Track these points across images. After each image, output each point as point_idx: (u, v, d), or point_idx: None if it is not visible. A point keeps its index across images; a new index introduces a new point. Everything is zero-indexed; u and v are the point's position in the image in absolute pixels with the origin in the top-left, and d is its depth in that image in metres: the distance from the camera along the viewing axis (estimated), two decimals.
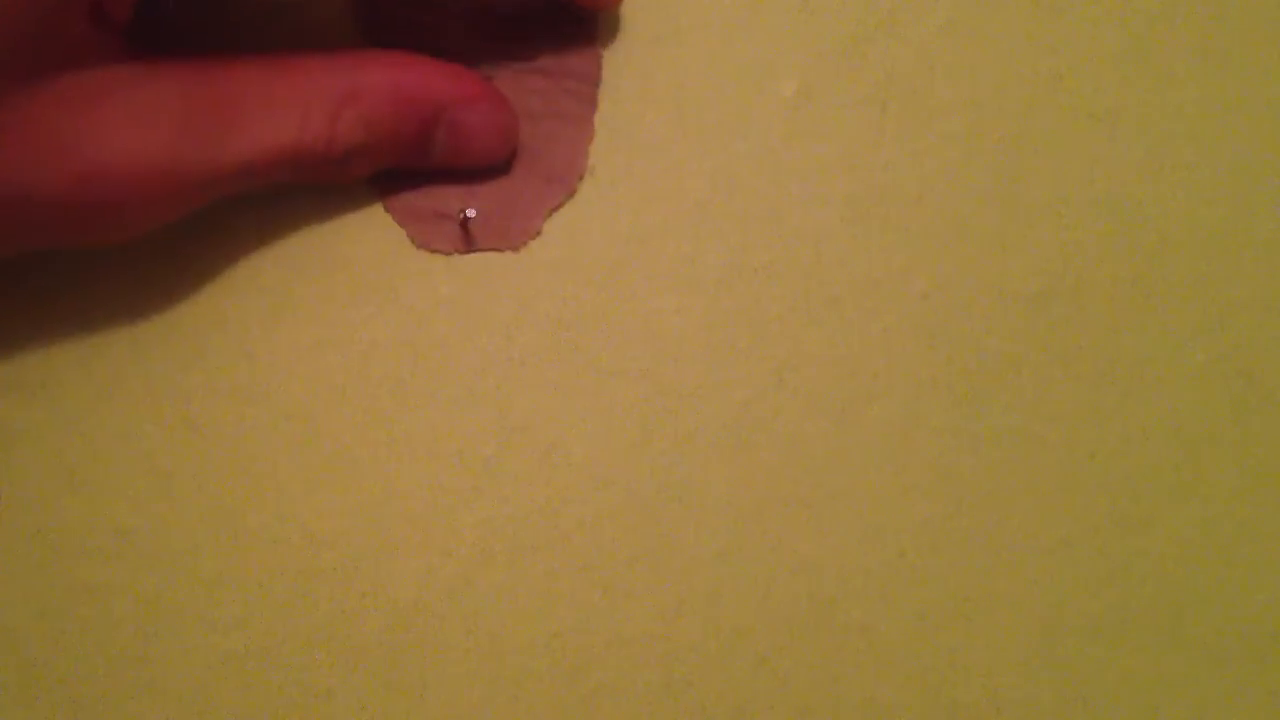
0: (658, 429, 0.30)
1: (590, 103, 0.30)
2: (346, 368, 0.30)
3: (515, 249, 0.30)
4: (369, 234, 0.30)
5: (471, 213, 0.29)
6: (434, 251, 0.30)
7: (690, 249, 0.30)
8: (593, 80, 0.30)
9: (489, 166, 0.29)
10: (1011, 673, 0.30)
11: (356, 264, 0.30)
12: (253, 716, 0.30)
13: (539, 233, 0.30)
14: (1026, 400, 0.30)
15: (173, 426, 0.29)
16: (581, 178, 0.30)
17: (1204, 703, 0.31)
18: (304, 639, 0.30)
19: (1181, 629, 0.31)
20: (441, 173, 0.29)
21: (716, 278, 0.30)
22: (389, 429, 0.30)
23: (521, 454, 0.30)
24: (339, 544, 0.30)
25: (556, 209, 0.30)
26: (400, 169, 0.29)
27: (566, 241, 0.30)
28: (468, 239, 0.30)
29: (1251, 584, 0.31)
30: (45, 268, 0.29)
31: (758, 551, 0.30)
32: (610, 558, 0.30)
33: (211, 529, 0.29)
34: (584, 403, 0.30)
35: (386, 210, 0.30)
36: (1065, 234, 0.30)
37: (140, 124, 0.25)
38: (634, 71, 0.30)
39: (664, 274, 0.30)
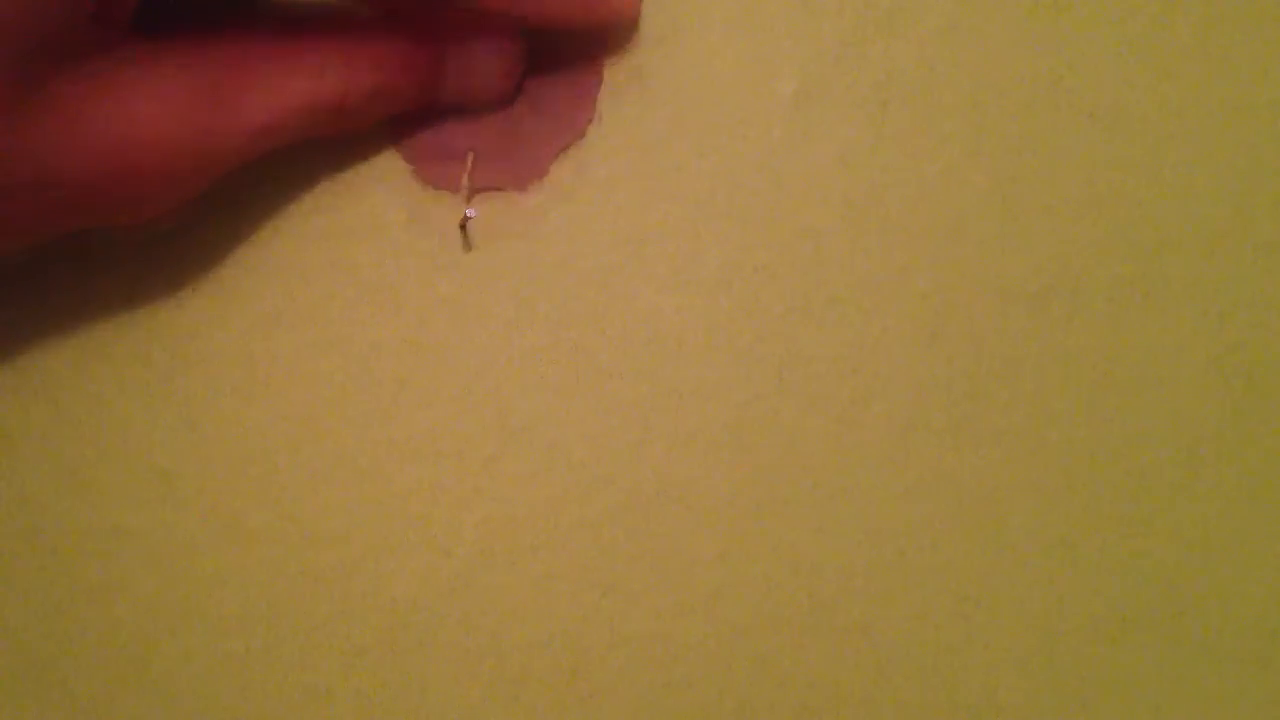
0: (658, 429, 0.30)
1: (600, 46, 0.30)
2: (346, 368, 0.30)
3: (521, 189, 0.30)
4: (369, 234, 0.30)
5: (472, 212, 0.29)
6: (439, 190, 0.30)
7: (690, 249, 0.30)
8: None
9: (500, 99, 0.29)
10: (1011, 673, 0.30)
11: (356, 264, 0.30)
12: (253, 716, 0.30)
13: (546, 174, 0.30)
14: (1026, 400, 0.30)
15: (173, 426, 0.29)
16: (590, 122, 0.30)
17: (1204, 703, 0.31)
18: (304, 639, 0.30)
19: (1181, 629, 0.31)
20: (452, 111, 0.29)
21: (716, 278, 0.30)
22: (389, 429, 0.30)
23: (521, 454, 0.30)
24: (339, 544, 0.30)
25: (564, 151, 0.30)
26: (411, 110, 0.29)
27: (567, 241, 0.30)
28: (466, 239, 0.30)
29: (1251, 584, 0.31)
30: (45, 268, 0.29)
31: (758, 551, 0.30)
32: (610, 558, 0.30)
33: (211, 529, 0.29)
34: (584, 403, 0.30)
35: (395, 149, 0.30)
36: (1065, 234, 0.30)
37: (156, 98, 0.26)
38: (634, 71, 0.30)
39: (664, 274, 0.30)
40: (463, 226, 0.30)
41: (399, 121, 0.29)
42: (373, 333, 0.30)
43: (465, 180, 0.29)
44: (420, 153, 0.30)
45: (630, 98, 0.30)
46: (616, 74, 0.30)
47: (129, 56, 0.26)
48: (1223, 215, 0.31)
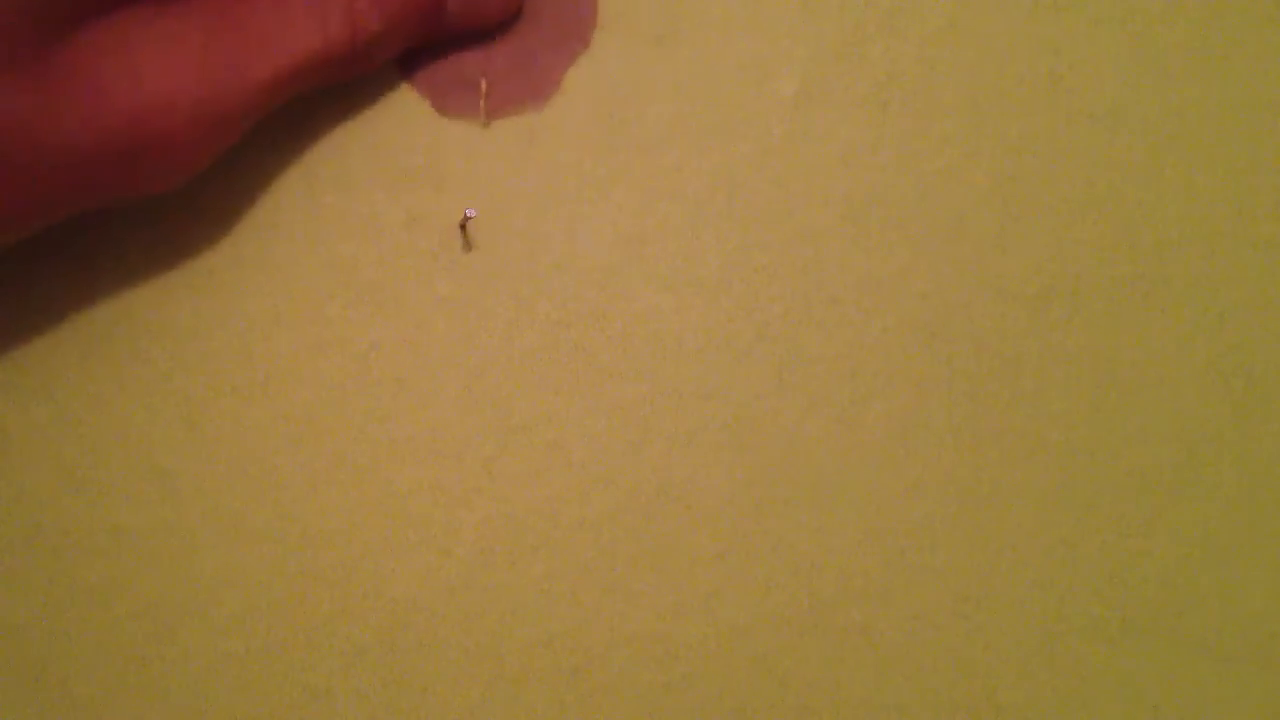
0: (658, 429, 0.30)
1: None
2: (346, 368, 0.30)
3: (539, 106, 0.30)
4: (369, 234, 0.30)
5: (472, 212, 0.29)
6: (455, 118, 0.30)
7: (690, 249, 0.30)
8: None
9: (505, 17, 0.29)
10: (1011, 673, 0.30)
11: (356, 264, 0.30)
12: (253, 716, 0.30)
13: (559, 87, 0.30)
14: (1026, 400, 0.30)
15: (173, 426, 0.29)
16: (594, 29, 0.30)
17: (1204, 703, 0.31)
18: (304, 639, 0.30)
19: (1181, 629, 0.31)
20: (460, 40, 0.30)
21: (716, 278, 0.30)
22: (389, 429, 0.30)
23: (521, 454, 0.30)
24: (339, 544, 0.30)
25: (572, 63, 0.30)
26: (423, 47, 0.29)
27: (567, 241, 0.30)
28: (466, 239, 0.30)
29: (1251, 584, 0.31)
30: (46, 267, 0.29)
31: (758, 551, 0.30)
32: (610, 558, 0.30)
33: (211, 529, 0.29)
34: (584, 403, 0.30)
35: (409, 84, 0.30)
36: (1065, 234, 0.30)
37: (167, 58, 0.25)
38: (634, 71, 0.30)
39: (664, 273, 0.30)
40: (463, 226, 0.30)
41: (409, 57, 0.30)
42: (373, 333, 0.30)
43: (483, 105, 0.30)
44: (435, 86, 0.30)
45: (630, 98, 0.30)
46: (616, 74, 0.30)
47: (136, 18, 0.25)
48: (1223, 215, 0.31)
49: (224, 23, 0.26)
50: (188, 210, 0.29)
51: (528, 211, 0.30)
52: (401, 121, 0.30)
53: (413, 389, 0.30)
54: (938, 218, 0.30)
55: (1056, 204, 0.30)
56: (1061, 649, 0.30)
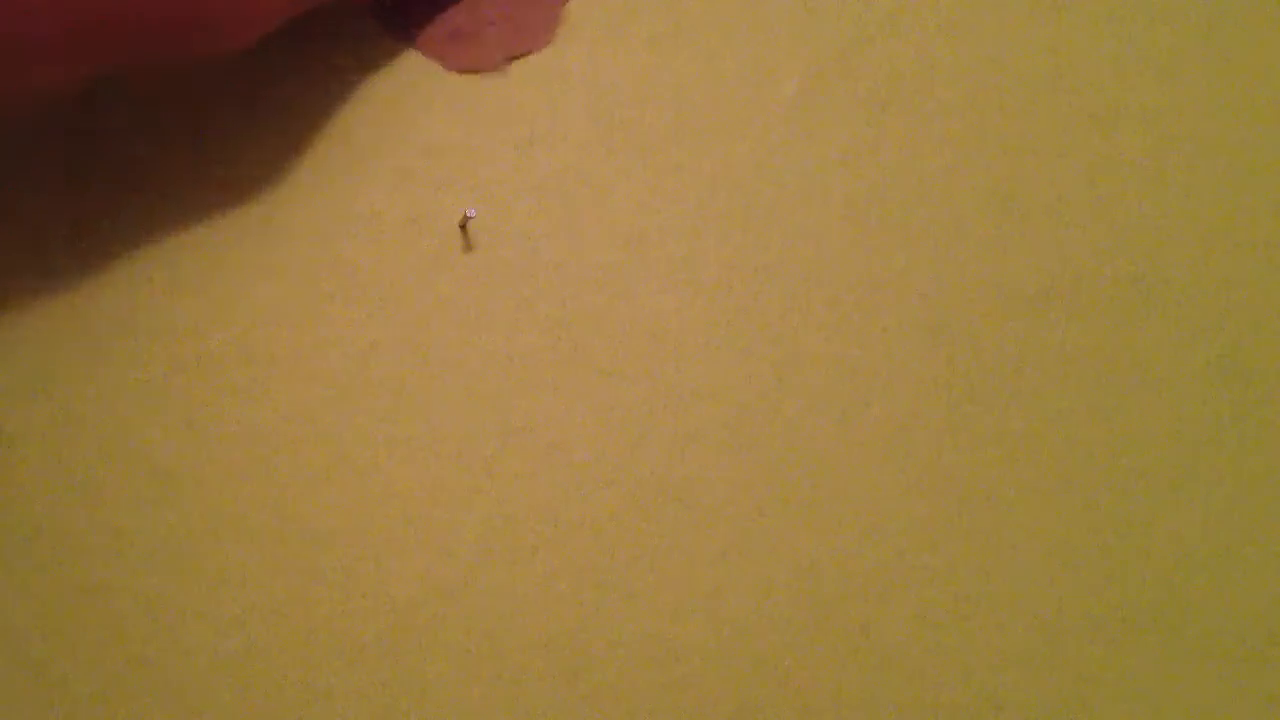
0: (658, 429, 0.30)
1: None
2: (346, 368, 0.30)
3: (541, 47, 0.30)
4: (369, 234, 0.30)
5: (472, 212, 0.29)
6: (462, 72, 0.30)
7: (690, 249, 0.30)
8: None
9: None
10: (1011, 673, 0.30)
11: (356, 264, 0.30)
12: (253, 716, 0.30)
13: (562, 21, 0.30)
14: (1026, 400, 0.30)
15: (173, 426, 0.29)
16: None
17: (1204, 703, 0.31)
18: (304, 639, 0.30)
19: (1181, 629, 0.31)
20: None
21: (716, 278, 0.30)
22: (389, 429, 0.30)
23: (521, 454, 0.30)
24: (339, 544, 0.30)
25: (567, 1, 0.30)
26: (414, 10, 0.30)
27: (567, 242, 0.30)
28: (467, 239, 0.30)
29: (1251, 584, 0.31)
30: (44, 267, 0.29)
31: (758, 551, 0.30)
32: (610, 558, 0.30)
33: (211, 529, 0.29)
34: (584, 403, 0.30)
35: (414, 47, 0.30)
36: (1065, 234, 0.30)
37: None
38: (634, 71, 0.30)
39: (664, 274, 0.30)
40: (463, 226, 0.30)
41: (414, 25, 0.30)
42: (373, 333, 0.30)
43: (494, 53, 0.30)
44: (443, 45, 0.30)
45: (630, 98, 0.30)
46: (616, 74, 0.30)
47: None
48: (1223, 215, 0.31)
49: None
50: (187, 210, 0.29)
51: (528, 211, 0.30)
52: (402, 121, 0.30)
53: (413, 389, 0.30)
54: (938, 218, 0.30)
55: (1056, 204, 0.30)
56: (1061, 649, 0.30)
